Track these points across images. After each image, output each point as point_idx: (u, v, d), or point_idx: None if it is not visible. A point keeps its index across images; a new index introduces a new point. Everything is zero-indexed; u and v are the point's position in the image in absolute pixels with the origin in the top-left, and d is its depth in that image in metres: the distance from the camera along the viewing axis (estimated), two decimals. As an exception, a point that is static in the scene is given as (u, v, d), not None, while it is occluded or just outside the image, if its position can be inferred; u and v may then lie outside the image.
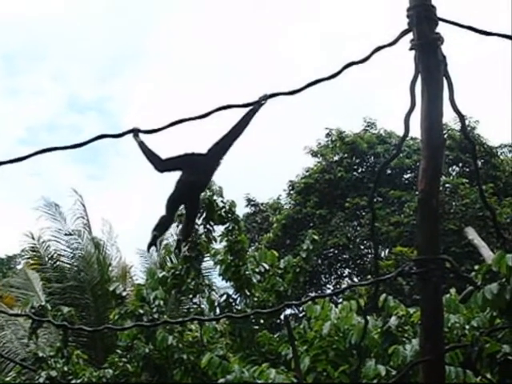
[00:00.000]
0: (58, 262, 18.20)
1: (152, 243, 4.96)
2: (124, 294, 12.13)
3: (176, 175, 4.92)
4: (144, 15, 46.72)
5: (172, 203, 4.96)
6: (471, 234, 7.63)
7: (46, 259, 18.25)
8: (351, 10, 36.80)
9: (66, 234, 18.25)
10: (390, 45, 4.58)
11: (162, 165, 4.89)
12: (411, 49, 4.46)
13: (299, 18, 40.41)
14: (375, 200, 24.50)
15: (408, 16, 4.46)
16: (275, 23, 41.07)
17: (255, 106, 4.82)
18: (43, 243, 18.34)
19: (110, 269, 18.35)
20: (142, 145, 4.86)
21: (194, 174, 4.88)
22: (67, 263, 18.19)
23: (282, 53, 38.95)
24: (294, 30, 40.48)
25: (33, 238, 18.39)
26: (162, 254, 16.62)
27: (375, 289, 6.08)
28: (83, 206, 18.82)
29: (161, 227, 4.98)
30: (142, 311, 11.39)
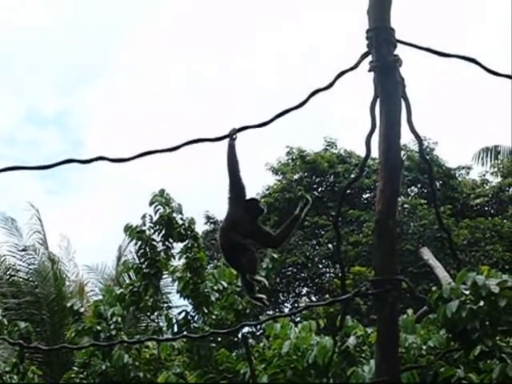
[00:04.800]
0: (13, 277, 18.00)
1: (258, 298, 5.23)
2: (81, 310, 11.99)
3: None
4: (108, 29, 46.42)
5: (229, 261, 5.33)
6: (426, 254, 7.67)
7: (2, 274, 18.04)
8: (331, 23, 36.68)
9: (20, 250, 18.06)
10: (352, 69, 4.61)
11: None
12: (370, 70, 4.48)
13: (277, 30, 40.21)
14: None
15: (367, 38, 4.48)
16: (251, 35, 41.00)
17: (230, 142, 5.02)
18: (-1, 258, 18.15)
19: (67, 284, 18.20)
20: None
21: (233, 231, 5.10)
22: (23, 278, 18.02)
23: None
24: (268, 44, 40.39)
25: (-12, 253, 18.18)
26: (120, 271, 16.49)
27: (344, 307, 6.10)
28: (40, 220, 18.70)
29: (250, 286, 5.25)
30: (99, 328, 11.27)
